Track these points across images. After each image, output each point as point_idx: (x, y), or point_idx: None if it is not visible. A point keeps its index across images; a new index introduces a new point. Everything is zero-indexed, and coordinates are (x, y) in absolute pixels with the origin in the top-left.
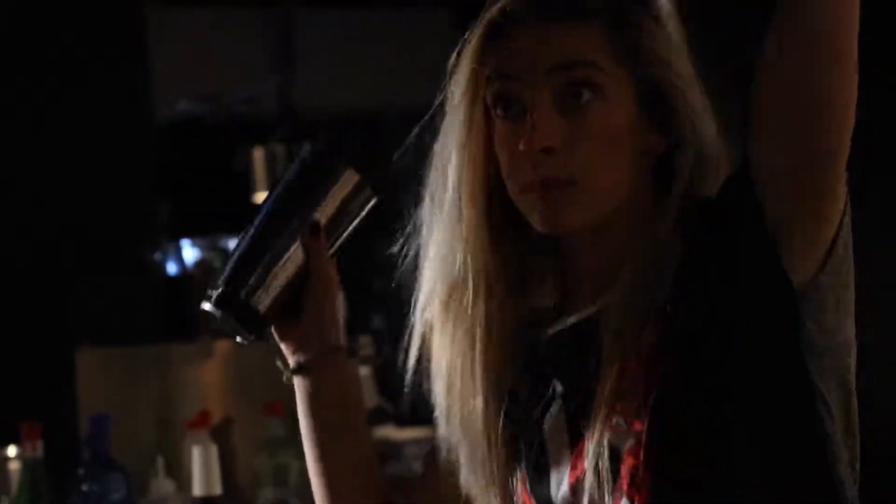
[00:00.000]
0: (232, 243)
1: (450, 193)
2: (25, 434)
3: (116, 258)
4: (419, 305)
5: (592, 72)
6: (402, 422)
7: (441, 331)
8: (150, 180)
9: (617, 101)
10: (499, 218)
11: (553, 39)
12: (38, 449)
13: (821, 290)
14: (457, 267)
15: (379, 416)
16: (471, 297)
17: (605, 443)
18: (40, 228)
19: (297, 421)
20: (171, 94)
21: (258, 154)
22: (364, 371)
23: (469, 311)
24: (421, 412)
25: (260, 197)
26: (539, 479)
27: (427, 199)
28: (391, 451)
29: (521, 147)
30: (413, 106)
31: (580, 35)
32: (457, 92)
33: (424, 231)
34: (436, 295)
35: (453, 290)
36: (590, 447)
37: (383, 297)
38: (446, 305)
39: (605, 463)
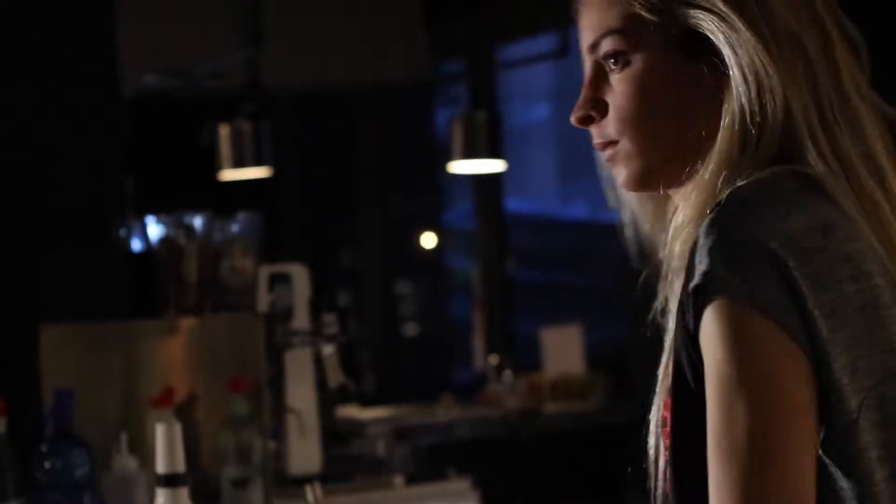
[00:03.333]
0: (197, 220)
1: None
2: None
3: (81, 233)
4: None
5: (615, 40)
6: (365, 401)
7: None
8: (116, 155)
9: (647, 57)
10: None
11: (585, 15)
12: (2, 424)
13: None
14: None
15: (343, 395)
16: None
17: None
18: (4, 203)
19: (260, 398)
20: (138, 67)
21: (224, 130)
22: (328, 349)
23: None
24: (384, 392)
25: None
26: None
27: None
28: (354, 429)
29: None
30: (380, 82)
31: (605, 3)
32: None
33: None
34: None
35: None
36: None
37: (349, 275)
38: None
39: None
